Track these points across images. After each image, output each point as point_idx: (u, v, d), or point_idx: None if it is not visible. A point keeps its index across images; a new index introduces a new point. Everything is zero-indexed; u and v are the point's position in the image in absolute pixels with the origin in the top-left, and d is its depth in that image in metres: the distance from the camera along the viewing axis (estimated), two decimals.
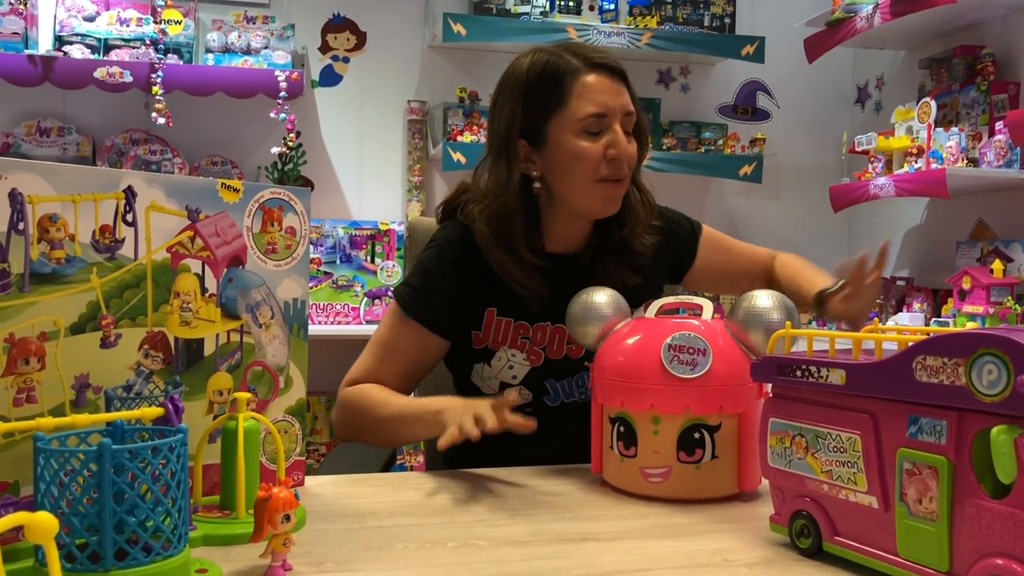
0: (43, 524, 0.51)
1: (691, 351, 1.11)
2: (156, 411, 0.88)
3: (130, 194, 0.98)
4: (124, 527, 0.75)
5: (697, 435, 1.11)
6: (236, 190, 1.07)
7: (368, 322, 3.13)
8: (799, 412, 0.92)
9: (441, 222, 1.52)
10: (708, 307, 1.21)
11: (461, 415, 1.19)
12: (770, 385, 0.97)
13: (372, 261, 3.21)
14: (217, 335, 1.07)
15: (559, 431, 1.42)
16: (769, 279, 1.65)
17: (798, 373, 0.91)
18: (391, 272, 3.19)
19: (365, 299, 3.17)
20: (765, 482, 1.01)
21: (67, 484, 0.74)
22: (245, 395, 1.00)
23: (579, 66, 1.38)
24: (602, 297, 1.24)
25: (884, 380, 0.83)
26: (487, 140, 1.48)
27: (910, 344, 0.81)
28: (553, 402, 1.45)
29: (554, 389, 1.44)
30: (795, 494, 0.93)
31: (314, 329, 2.96)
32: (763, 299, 1.14)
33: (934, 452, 0.78)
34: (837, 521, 0.88)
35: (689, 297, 1.25)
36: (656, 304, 1.25)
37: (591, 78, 1.38)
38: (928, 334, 0.82)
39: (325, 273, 3.15)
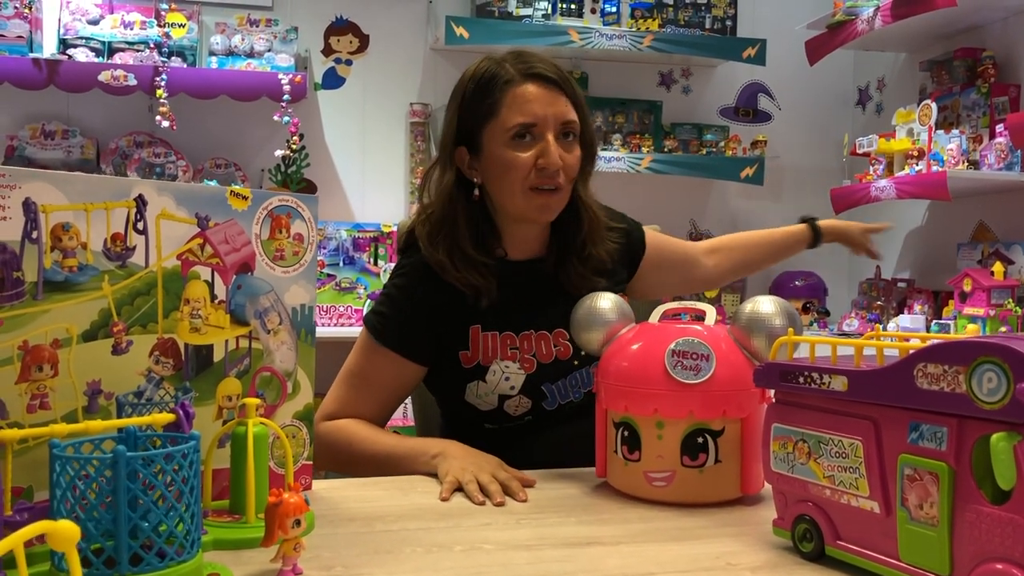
0: (65, 532, 0.52)
1: (695, 356, 1.12)
2: (167, 417, 0.89)
3: (141, 202, 1.00)
4: (139, 533, 0.76)
5: (700, 439, 1.12)
6: (245, 198, 1.08)
7: None
8: (801, 418, 0.93)
9: (404, 251, 1.51)
10: (711, 312, 1.22)
11: (461, 468, 1.20)
12: (773, 391, 0.98)
13: (375, 263, 3.22)
14: (226, 341, 1.08)
15: (558, 435, 1.44)
16: (714, 258, 1.74)
17: (801, 379, 0.93)
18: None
19: (368, 301, 3.18)
20: (767, 485, 1.02)
21: (82, 490, 0.75)
22: (254, 401, 1.01)
23: (514, 76, 1.40)
24: (606, 303, 1.25)
25: (885, 387, 0.84)
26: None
27: (911, 352, 0.82)
28: (551, 406, 1.46)
29: (551, 393, 1.45)
30: (797, 499, 0.94)
31: (317, 331, 2.97)
32: (766, 305, 1.15)
33: (935, 458, 0.79)
34: (839, 525, 0.90)
35: (692, 302, 1.27)
36: (659, 310, 1.26)
37: (524, 88, 1.39)
38: (926, 341, 0.83)
39: (328, 275, 3.17)
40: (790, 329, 1.02)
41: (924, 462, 0.80)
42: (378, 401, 1.45)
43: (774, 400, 0.98)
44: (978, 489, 0.76)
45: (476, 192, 1.44)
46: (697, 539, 1.00)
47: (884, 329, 3.02)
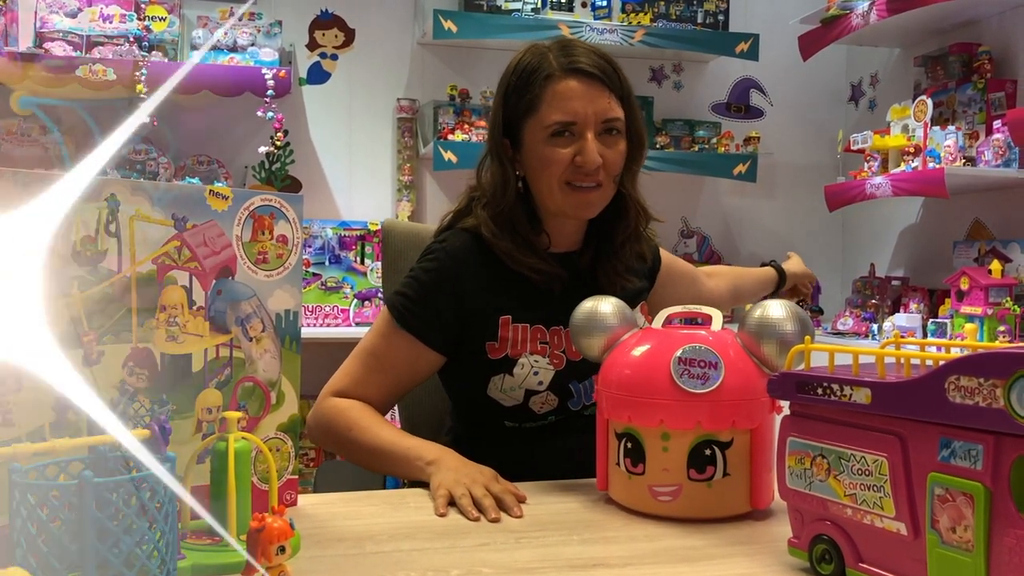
0: None
1: (702, 364, 1.06)
2: (142, 433, 0.83)
3: (113, 203, 0.93)
4: (108, 565, 0.70)
5: (708, 452, 1.06)
6: (225, 197, 1.02)
7: (357, 324, 3.08)
8: (820, 431, 0.87)
9: (442, 231, 1.46)
10: (718, 317, 1.17)
11: (455, 481, 1.15)
12: (786, 401, 0.93)
13: (362, 262, 3.15)
14: (205, 350, 1.01)
15: (578, 442, 1.37)
16: (713, 281, 1.78)
17: (819, 391, 0.87)
18: (381, 273, 3.13)
19: (355, 301, 3.12)
20: (777, 499, 0.97)
21: (45, 520, 0.69)
22: (235, 415, 0.94)
23: (555, 70, 1.35)
24: (607, 307, 1.19)
25: (913, 400, 0.78)
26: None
27: (942, 363, 0.76)
28: (575, 406, 1.41)
29: (577, 391, 1.40)
30: (815, 517, 0.88)
31: (302, 332, 2.90)
32: (776, 309, 1.09)
33: (969, 478, 0.74)
34: (861, 547, 0.84)
35: (698, 307, 1.21)
36: (663, 314, 1.21)
37: (565, 84, 1.34)
38: (944, 349, 0.78)
39: (314, 275, 3.10)
40: (807, 337, 0.96)
41: (957, 482, 0.74)
42: (389, 384, 1.40)
43: (788, 412, 0.93)
44: (1018, 512, 0.71)
45: (520, 184, 1.41)
46: (709, 559, 0.95)
47: (879, 328, 2.98)
